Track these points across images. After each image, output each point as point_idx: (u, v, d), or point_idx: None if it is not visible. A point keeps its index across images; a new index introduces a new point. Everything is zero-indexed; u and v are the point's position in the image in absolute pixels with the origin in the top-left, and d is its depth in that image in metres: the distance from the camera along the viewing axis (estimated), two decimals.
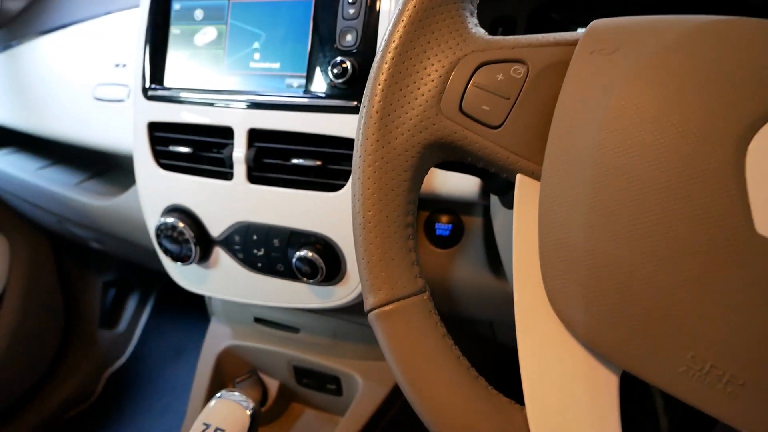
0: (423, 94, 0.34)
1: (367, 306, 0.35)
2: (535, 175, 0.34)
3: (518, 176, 0.34)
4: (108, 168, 1.06)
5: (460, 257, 0.66)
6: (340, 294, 0.65)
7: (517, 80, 0.33)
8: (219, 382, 0.78)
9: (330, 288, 0.65)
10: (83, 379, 1.46)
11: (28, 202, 1.12)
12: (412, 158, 0.35)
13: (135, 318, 1.56)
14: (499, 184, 0.50)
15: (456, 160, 0.36)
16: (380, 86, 0.34)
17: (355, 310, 0.72)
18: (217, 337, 0.85)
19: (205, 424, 0.59)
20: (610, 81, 0.29)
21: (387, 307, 0.34)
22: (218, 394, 0.63)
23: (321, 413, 0.87)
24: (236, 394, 0.62)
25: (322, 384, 0.81)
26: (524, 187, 0.34)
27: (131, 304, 1.57)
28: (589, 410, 0.31)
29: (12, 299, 1.30)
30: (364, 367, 0.77)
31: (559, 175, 0.31)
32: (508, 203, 0.51)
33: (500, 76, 0.33)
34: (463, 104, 0.34)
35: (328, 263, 0.62)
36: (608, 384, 0.31)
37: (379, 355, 0.77)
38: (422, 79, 0.34)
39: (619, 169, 0.28)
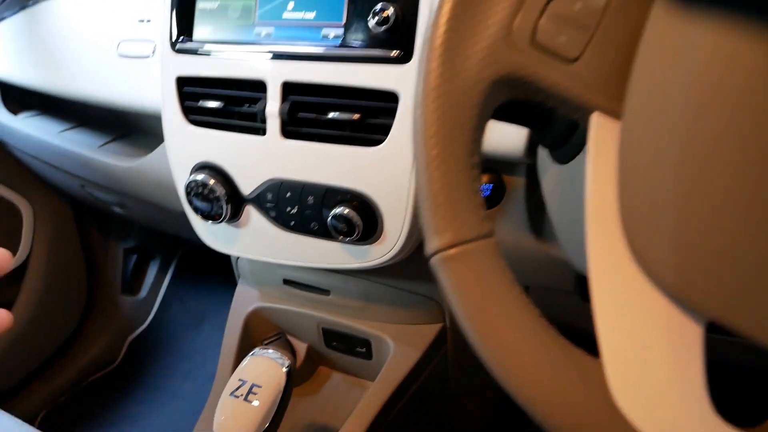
0: (493, 25, 0.32)
1: (430, 249, 0.33)
2: (614, 113, 0.31)
3: (594, 115, 0.32)
4: (131, 131, 1.05)
5: (499, 219, 0.63)
6: (376, 253, 0.63)
7: (597, 9, 0.30)
8: (248, 343, 0.76)
9: (365, 247, 0.64)
10: (106, 344, 1.47)
11: (51, 165, 1.11)
12: (480, 94, 0.32)
13: (156, 285, 1.56)
14: (554, 136, 0.47)
15: (524, 98, 0.34)
16: (445, 17, 0.32)
17: (389, 271, 0.70)
18: (245, 299, 0.84)
19: (240, 380, 0.58)
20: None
21: (452, 251, 0.32)
22: (252, 352, 0.62)
23: (349, 377, 0.86)
24: (270, 351, 0.61)
25: (351, 347, 0.80)
26: (601, 128, 0.32)
27: (152, 271, 1.57)
28: (672, 362, 0.29)
29: (36, 265, 1.30)
30: (395, 330, 0.75)
31: (645, 111, 0.29)
32: (562, 158, 0.48)
33: (578, 5, 0.31)
34: (536, 35, 0.31)
35: (365, 221, 0.60)
36: (692, 335, 0.29)
37: (412, 319, 0.75)
38: (491, 8, 0.32)
39: (719, 100, 0.26)
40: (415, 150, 0.34)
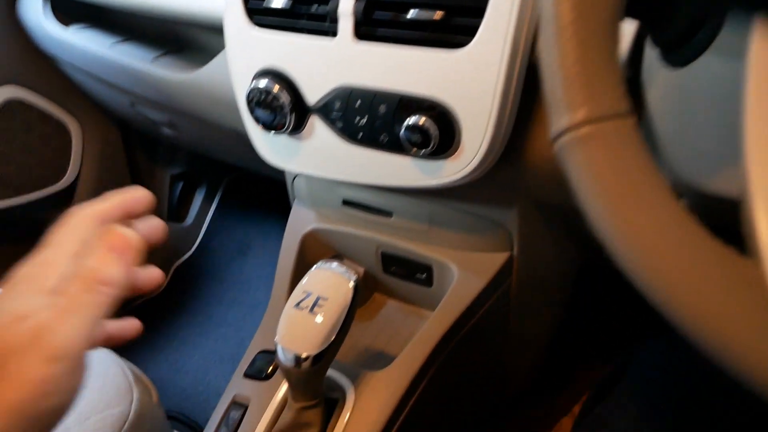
0: None
1: (556, 128, 0.28)
2: None
3: None
4: (184, 46, 1.01)
5: None
6: (450, 170, 0.59)
7: None
8: (303, 265, 0.74)
9: (439, 163, 0.59)
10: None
11: (101, 80, 1.08)
12: None
13: (202, 212, 1.55)
14: (675, 32, 0.41)
15: None
16: None
17: (459, 192, 0.66)
18: (301, 220, 0.81)
19: (305, 292, 0.55)
20: None
21: (586, 129, 0.27)
22: (316, 265, 0.59)
23: (405, 305, 0.83)
24: (335, 264, 0.58)
25: (411, 273, 0.77)
26: None
27: (198, 199, 1.56)
28: None
29: (85, 186, 1.29)
30: (459, 257, 0.72)
31: None
32: (680, 60, 0.43)
33: None
34: None
35: (441, 132, 0.56)
36: None
37: (478, 246, 0.72)
38: None
39: None
40: (543, 17, 0.29)
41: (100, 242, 0.39)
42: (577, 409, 1.03)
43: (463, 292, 0.70)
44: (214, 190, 1.57)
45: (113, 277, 0.38)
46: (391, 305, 0.84)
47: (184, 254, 1.52)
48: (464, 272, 0.71)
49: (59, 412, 0.35)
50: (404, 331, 0.79)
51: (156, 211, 1.45)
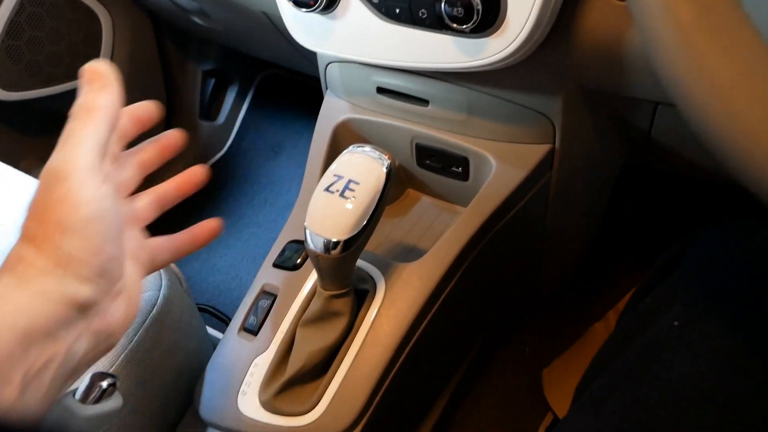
0: None
1: None
2: None
3: None
4: None
5: None
6: (494, 48, 0.54)
7: None
8: (335, 157, 0.71)
9: (482, 41, 0.55)
10: (184, 167, 1.47)
11: None
12: None
13: (234, 111, 1.53)
14: None
15: None
16: None
17: (499, 78, 0.62)
18: (334, 111, 0.77)
19: (336, 175, 0.53)
20: None
21: None
22: (347, 149, 0.56)
23: (439, 201, 0.81)
24: (368, 148, 0.55)
25: (446, 166, 0.73)
26: None
27: (230, 97, 1.53)
28: None
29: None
30: (499, 148, 0.68)
31: None
32: None
33: None
34: None
35: (485, 4, 0.51)
36: None
37: (517, 137, 0.68)
38: None
39: None
40: None
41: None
42: (610, 313, 1.02)
43: (501, 185, 0.67)
44: (247, 89, 1.53)
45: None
46: (425, 201, 0.81)
47: (215, 154, 1.51)
48: (502, 164, 0.67)
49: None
50: (438, 227, 0.77)
51: (187, 108, 1.43)
